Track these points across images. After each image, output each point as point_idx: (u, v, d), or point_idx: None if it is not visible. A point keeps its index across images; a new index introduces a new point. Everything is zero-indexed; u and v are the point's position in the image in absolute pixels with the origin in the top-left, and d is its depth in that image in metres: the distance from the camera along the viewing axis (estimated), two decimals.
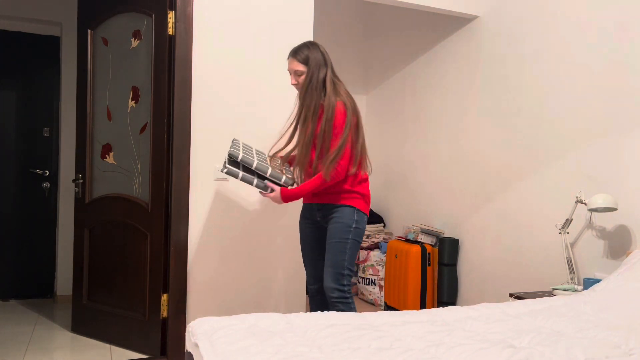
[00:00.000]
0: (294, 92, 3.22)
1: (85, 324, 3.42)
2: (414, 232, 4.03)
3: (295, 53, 2.56)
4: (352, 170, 2.53)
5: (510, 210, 3.46)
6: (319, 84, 2.52)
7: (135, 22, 3.19)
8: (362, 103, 5.12)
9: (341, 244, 2.54)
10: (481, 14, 3.74)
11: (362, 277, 4.41)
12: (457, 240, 3.86)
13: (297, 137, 2.64)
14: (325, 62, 2.55)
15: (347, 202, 2.56)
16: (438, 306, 3.89)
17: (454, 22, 3.97)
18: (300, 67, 2.54)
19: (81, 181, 3.45)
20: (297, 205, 3.25)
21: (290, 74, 2.59)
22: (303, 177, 2.65)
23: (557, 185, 3.14)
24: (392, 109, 4.68)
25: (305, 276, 3.29)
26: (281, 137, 2.77)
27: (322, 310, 2.64)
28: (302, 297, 3.29)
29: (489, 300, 3.59)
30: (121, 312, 3.24)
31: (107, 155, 3.34)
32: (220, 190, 3.07)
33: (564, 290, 2.69)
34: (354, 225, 2.55)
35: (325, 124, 2.47)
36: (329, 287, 2.54)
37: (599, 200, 2.65)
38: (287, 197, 2.55)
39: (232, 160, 2.56)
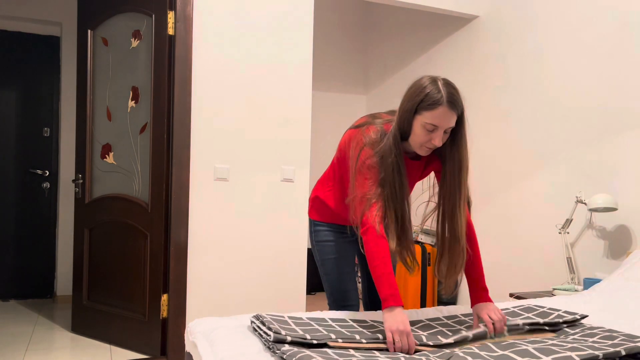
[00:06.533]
0: (294, 92, 3.23)
1: (85, 324, 3.42)
2: (414, 232, 4.03)
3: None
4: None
5: (510, 210, 3.46)
6: None
7: (135, 22, 3.19)
8: (362, 103, 5.12)
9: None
10: (481, 14, 3.74)
11: None
12: None
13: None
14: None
15: None
16: (438, 306, 3.88)
17: (454, 22, 3.97)
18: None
19: (81, 181, 3.45)
20: (297, 204, 3.25)
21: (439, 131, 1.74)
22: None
23: (557, 185, 3.14)
24: (392, 109, 4.68)
25: (305, 276, 3.29)
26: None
27: None
28: (302, 297, 3.28)
29: None
30: (121, 312, 3.24)
31: (107, 155, 3.34)
32: (220, 190, 3.07)
33: (564, 290, 2.69)
34: None
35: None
36: None
37: (599, 200, 2.64)
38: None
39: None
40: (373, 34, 5.05)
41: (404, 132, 1.79)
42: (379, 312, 1.95)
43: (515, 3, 3.46)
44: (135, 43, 3.20)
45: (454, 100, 1.70)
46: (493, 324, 1.70)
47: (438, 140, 1.72)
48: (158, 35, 3.06)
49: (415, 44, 4.41)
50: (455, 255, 1.81)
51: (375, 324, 1.75)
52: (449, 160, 1.81)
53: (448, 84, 1.72)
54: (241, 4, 3.09)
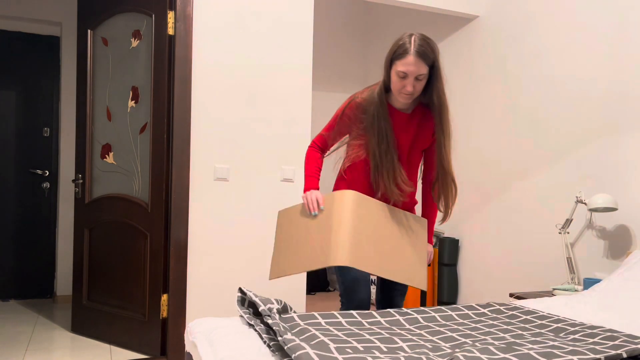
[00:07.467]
0: (294, 92, 3.23)
1: (85, 324, 3.42)
2: None
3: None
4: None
5: (510, 210, 3.46)
6: None
7: (135, 22, 3.19)
8: None
9: None
10: (481, 14, 3.74)
11: None
12: (457, 240, 3.86)
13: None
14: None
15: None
16: (437, 306, 3.87)
17: (454, 22, 3.97)
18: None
19: (81, 181, 3.45)
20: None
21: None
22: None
23: (557, 185, 3.14)
24: None
25: (305, 277, 3.29)
26: None
27: None
28: (303, 297, 3.28)
29: (489, 300, 3.59)
30: (121, 312, 3.24)
31: (107, 155, 3.34)
32: (220, 190, 3.07)
33: (564, 290, 2.69)
34: None
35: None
36: (400, 306, 2.34)
37: (599, 200, 2.64)
38: None
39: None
40: (373, 34, 5.05)
41: (386, 84, 2.07)
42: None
43: (515, 3, 3.46)
44: (135, 43, 3.20)
45: (422, 51, 1.95)
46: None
47: (410, 86, 1.98)
48: (158, 35, 3.06)
49: None
50: (447, 185, 2.12)
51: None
52: (433, 107, 2.08)
53: (422, 39, 1.97)
54: (241, 4, 3.09)
